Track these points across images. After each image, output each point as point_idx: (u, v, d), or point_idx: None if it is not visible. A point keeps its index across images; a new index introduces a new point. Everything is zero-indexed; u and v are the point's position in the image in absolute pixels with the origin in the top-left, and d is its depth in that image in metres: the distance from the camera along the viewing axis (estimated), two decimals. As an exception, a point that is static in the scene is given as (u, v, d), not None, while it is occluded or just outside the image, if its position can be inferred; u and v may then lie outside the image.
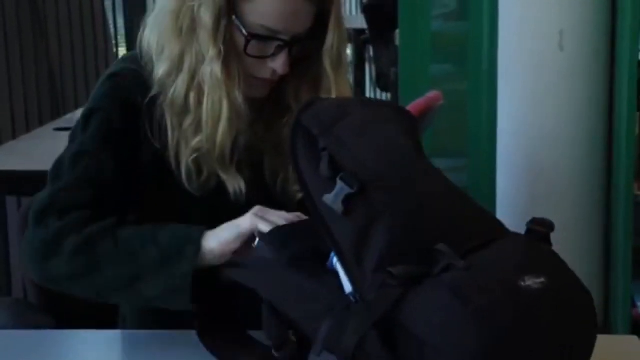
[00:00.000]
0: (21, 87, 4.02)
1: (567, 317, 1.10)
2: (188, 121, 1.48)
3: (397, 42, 3.14)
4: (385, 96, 5.50)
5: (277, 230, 1.31)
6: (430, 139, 2.40)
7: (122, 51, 5.00)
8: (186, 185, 1.50)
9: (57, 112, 4.14)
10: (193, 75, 1.47)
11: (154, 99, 1.49)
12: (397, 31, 3.07)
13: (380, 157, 1.22)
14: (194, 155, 1.48)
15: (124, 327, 1.64)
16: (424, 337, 1.06)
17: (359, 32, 5.67)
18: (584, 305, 1.13)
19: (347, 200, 1.15)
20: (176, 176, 1.50)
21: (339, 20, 1.49)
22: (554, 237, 1.19)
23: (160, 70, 1.49)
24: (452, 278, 1.07)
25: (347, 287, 1.16)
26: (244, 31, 1.44)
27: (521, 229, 1.20)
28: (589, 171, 2.70)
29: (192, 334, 1.43)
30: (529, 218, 1.22)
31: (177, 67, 1.48)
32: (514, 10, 2.69)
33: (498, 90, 2.77)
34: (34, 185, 1.57)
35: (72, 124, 1.55)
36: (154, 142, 1.49)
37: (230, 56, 1.45)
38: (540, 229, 1.17)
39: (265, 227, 1.34)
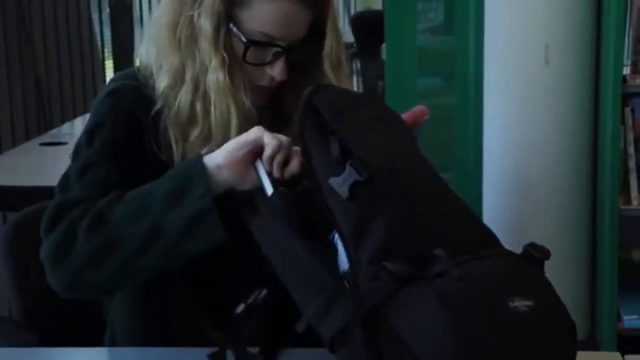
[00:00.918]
0: (7, 102, 4.01)
1: (548, 343, 1.11)
2: (195, 132, 1.48)
3: (384, 55, 3.15)
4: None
5: (289, 192, 1.32)
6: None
7: (109, 64, 4.99)
8: None
9: (44, 126, 4.13)
10: (197, 85, 1.47)
11: (159, 112, 1.49)
12: (384, 45, 3.09)
13: (388, 153, 1.24)
14: None
15: (110, 345, 1.63)
16: (405, 338, 1.07)
17: (347, 45, 5.69)
18: (565, 332, 1.14)
19: (354, 186, 1.17)
20: None
21: (335, 25, 1.52)
22: (539, 251, 1.20)
23: (162, 83, 1.49)
24: (444, 286, 1.08)
25: (344, 264, 1.17)
26: (242, 38, 1.44)
27: (507, 243, 1.20)
28: (574, 185, 2.71)
29: (179, 351, 1.43)
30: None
31: (179, 78, 1.48)
32: (500, 25, 2.71)
33: (484, 104, 2.78)
34: (20, 200, 1.56)
35: (58, 139, 1.55)
36: (160, 156, 1.48)
37: (232, 64, 1.46)
38: (536, 254, 1.17)
39: (269, 139, 1.34)
